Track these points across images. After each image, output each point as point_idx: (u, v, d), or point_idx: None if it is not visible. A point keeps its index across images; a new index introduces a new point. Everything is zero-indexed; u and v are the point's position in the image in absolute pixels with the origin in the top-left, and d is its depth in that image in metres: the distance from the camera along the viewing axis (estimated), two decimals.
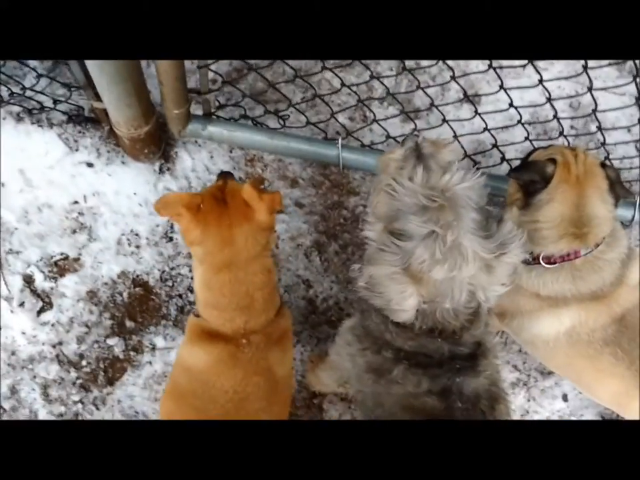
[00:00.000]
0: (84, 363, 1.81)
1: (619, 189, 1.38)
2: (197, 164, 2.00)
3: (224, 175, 1.40)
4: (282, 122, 1.89)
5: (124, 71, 1.36)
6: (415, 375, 1.21)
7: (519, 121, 1.80)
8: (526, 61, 1.55)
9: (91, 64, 1.34)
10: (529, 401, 1.97)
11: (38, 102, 1.84)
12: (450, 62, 2.18)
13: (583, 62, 1.53)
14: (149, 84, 2.02)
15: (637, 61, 1.50)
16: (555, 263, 1.39)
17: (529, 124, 2.07)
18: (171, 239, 1.93)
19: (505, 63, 2.18)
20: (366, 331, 1.31)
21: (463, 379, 1.20)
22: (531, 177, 1.36)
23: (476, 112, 1.77)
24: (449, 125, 1.82)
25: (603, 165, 1.39)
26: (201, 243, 1.27)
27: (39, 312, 1.82)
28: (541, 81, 1.65)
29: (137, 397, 1.80)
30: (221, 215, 1.26)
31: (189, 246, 1.32)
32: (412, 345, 1.22)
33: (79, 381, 1.79)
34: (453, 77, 1.62)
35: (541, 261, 1.40)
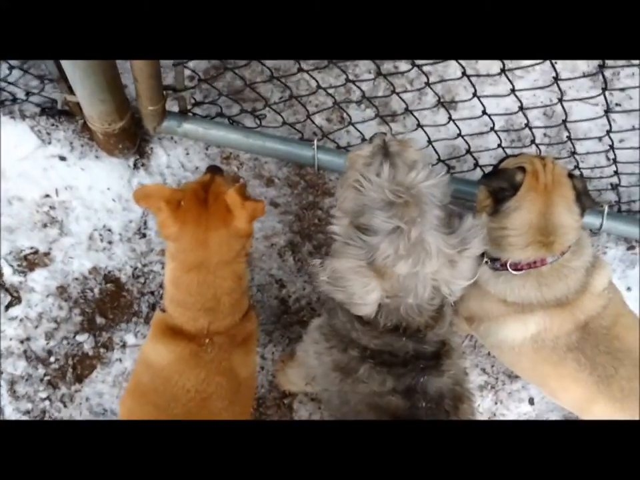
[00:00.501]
0: (52, 359, 1.79)
1: (585, 200, 1.41)
2: (172, 160, 1.99)
3: (212, 170, 1.36)
4: (258, 121, 1.89)
5: (97, 66, 1.35)
6: (379, 373, 1.23)
7: (492, 128, 1.83)
8: (500, 70, 1.56)
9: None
10: (496, 403, 2.00)
11: (10, 93, 1.81)
12: (427, 67, 2.23)
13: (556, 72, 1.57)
14: (124, 78, 1.99)
15: (605, 73, 1.53)
16: (521, 269, 1.42)
17: (504, 131, 2.11)
18: (144, 235, 1.92)
19: (481, 70, 2.22)
20: (333, 329, 1.33)
21: (427, 378, 1.23)
22: (500, 184, 1.38)
23: (450, 118, 1.78)
24: (423, 129, 1.84)
25: (570, 176, 1.42)
26: (175, 240, 1.26)
27: (7, 307, 1.79)
28: (513, 90, 1.68)
29: (105, 395, 1.79)
30: (200, 215, 1.24)
31: (164, 239, 1.31)
32: (377, 343, 1.24)
33: (46, 378, 1.77)
34: (427, 83, 1.64)
35: (508, 268, 1.43)
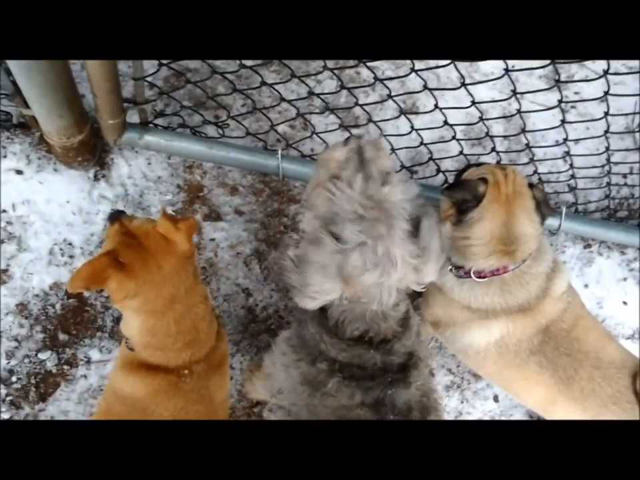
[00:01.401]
0: (14, 378, 1.74)
1: (544, 208, 1.45)
2: (133, 170, 1.95)
3: (115, 216, 1.31)
4: (221, 131, 1.87)
5: (54, 81, 1.31)
6: (348, 387, 1.24)
7: (454, 137, 1.85)
8: (460, 83, 1.59)
9: (18, 74, 1.28)
10: (462, 402, 2.04)
11: None
12: (389, 72, 2.25)
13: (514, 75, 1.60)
14: (81, 87, 1.95)
15: (559, 73, 1.57)
16: (485, 277, 1.45)
17: (466, 139, 2.14)
18: None
19: (443, 79, 2.25)
20: (301, 341, 1.34)
21: (395, 390, 1.24)
22: (464, 195, 1.41)
23: (412, 127, 1.81)
24: (386, 139, 1.85)
25: (530, 186, 1.46)
26: (136, 295, 1.19)
27: None
28: (473, 102, 1.70)
29: (71, 413, 1.75)
30: (146, 259, 1.19)
31: (119, 303, 1.22)
32: (345, 355, 1.25)
33: (8, 398, 1.72)
34: (390, 96, 1.65)
35: (472, 275, 1.45)
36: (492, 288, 1.45)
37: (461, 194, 1.40)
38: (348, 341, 1.23)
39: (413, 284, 1.20)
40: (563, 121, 1.67)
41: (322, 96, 1.86)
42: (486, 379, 1.86)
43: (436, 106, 1.67)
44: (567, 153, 1.87)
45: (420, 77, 1.60)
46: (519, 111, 1.66)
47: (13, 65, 1.24)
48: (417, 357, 1.28)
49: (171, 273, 1.21)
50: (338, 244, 1.14)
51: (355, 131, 2.08)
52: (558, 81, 1.63)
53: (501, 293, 1.45)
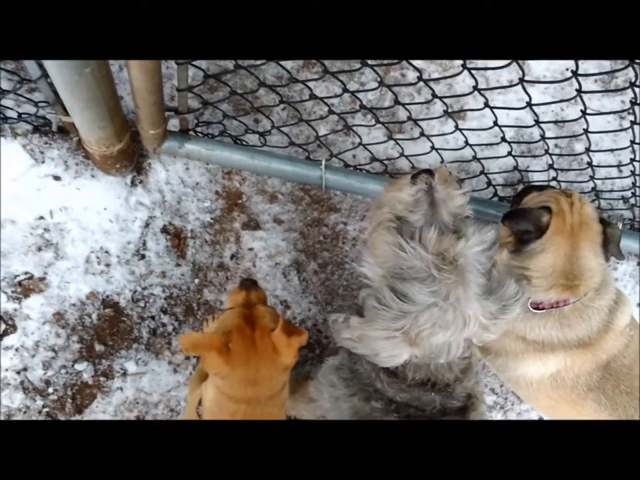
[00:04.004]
0: (50, 389, 1.72)
1: (613, 248, 1.35)
2: (171, 176, 1.90)
3: (246, 286, 1.36)
4: (263, 140, 1.80)
5: (98, 96, 1.25)
6: None
7: (503, 138, 1.73)
8: (519, 79, 1.47)
9: (62, 89, 1.22)
10: None
11: (1, 113, 1.70)
12: (435, 74, 2.14)
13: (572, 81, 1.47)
14: (121, 89, 1.90)
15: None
16: (543, 308, 1.37)
17: (516, 142, 2.03)
18: (143, 257, 1.84)
19: (492, 81, 2.14)
20: (354, 374, 1.27)
21: None
22: (526, 226, 1.32)
23: (456, 127, 1.69)
24: (437, 152, 1.76)
25: (603, 222, 1.36)
26: (224, 378, 1.23)
27: (2, 336, 1.71)
28: (529, 104, 1.59)
29: None
30: (249, 358, 1.21)
31: (209, 373, 1.27)
32: (404, 396, 1.19)
33: (45, 410, 1.71)
34: (434, 95, 1.55)
35: (529, 306, 1.37)
36: (550, 321, 1.37)
37: (524, 224, 1.32)
38: (408, 383, 1.17)
39: (481, 340, 1.12)
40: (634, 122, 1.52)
41: (365, 97, 1.77)
42: (537, 411, 1.79)
43: (486, 104, 1.54)
44: (632, 160, 1.73)
45: (472, 75, 1.48)
46: (583, 112, 1.52)
47: (56, 79, 1.19)
48: (475, 397, 1.22)
49: (264, 378, 1.23)
50: (403, 303, 1.05)
51: (400, 134, 1.99)
52: (633, 84, 1.48)
53: (559, 326, 1.37)
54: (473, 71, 1.43)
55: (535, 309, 1.37)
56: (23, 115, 1.68)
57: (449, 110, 1.74)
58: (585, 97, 1.46)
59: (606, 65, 2.26)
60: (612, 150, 1.98)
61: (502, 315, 1.08)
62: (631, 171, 1.85)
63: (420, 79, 1.50)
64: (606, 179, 2.07)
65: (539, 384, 1.45)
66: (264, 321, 1.27)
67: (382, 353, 1.09)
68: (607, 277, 1.41)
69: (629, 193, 2.05)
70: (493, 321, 1.08)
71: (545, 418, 1.90)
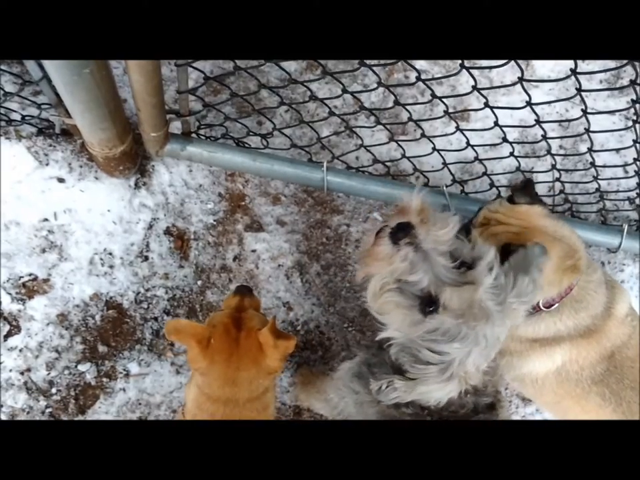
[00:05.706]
0: (54, 390, 1.72)
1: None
2: (174, 178, 1.91)
3: (241, 292, 1.35)
4: (265, 142, 1.81)
5: (98, 97, 1.27)
6: None
7: (504, 139, 1.73)
8: (517, 78, 1.47)
9: (62, 90, 1.24)
10: None
11: (5, 115, 1.73)
12: (438, 75, 2.15)
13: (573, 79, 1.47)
14: (123, 92, 1.92)
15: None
16: (554, 304, 1.36)
17: (519, 142, 2.03)
18: (146, 259, 1.85)
19: (496, 82, 2.14)
20: None
21: None
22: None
23: (457, 128, 1.69)
24: (439, 154, 1.75)
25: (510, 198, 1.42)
26: (203, 374, 1.23)
27: (6, 336, 1.72)
28: (529, 103, 1.58)
29: None
30: (230, 355, 1.21)
31: (192, 368, 1.27)
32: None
33: (48, 410, 1.71)
34: (434, 95, 1.55)
35: (542, 307, 1.36)
36: (565, 312, 1.36)
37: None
38: None
39: None
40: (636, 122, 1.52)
41: (367, 99, 1.78)
42: (542, 408, 1.77)
43: (486, 104, 1.54)
44: (636, 159, 1.72)
45: (471, 74, 1.48)
46: (584, 111, 1.52)
47: (56, 80, 1.20)
48: (499, 392, 1.21)
49: (244, 379, 1.22)
50: (447, 356, 1.05)
51: (403, 136, 1.99)
52: (634, 82, 1.47)
53: (575, 312, 1.36)
54: (476, 72, 1.43)
55: (547, 307, 1.36)
56: (26, 117, 1.70)
57: (452, 111, 1.75)
58: (589, 97, 1.46)
59: (611, 65, 2.25)
60: (617, 150, 1.97)
61: (520, 305, 1.08)
62: (635, 170, 1.83)
63: (418, 78, 1.50)
64: (611, 179, 2.05)
65: (544, 380, 1.43)
66: (252, 323, 1.26)
67: (435, 396, 1.10)
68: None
69: (634, 194, 2.03)
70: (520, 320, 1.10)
71: (550, 416, 1.88)
